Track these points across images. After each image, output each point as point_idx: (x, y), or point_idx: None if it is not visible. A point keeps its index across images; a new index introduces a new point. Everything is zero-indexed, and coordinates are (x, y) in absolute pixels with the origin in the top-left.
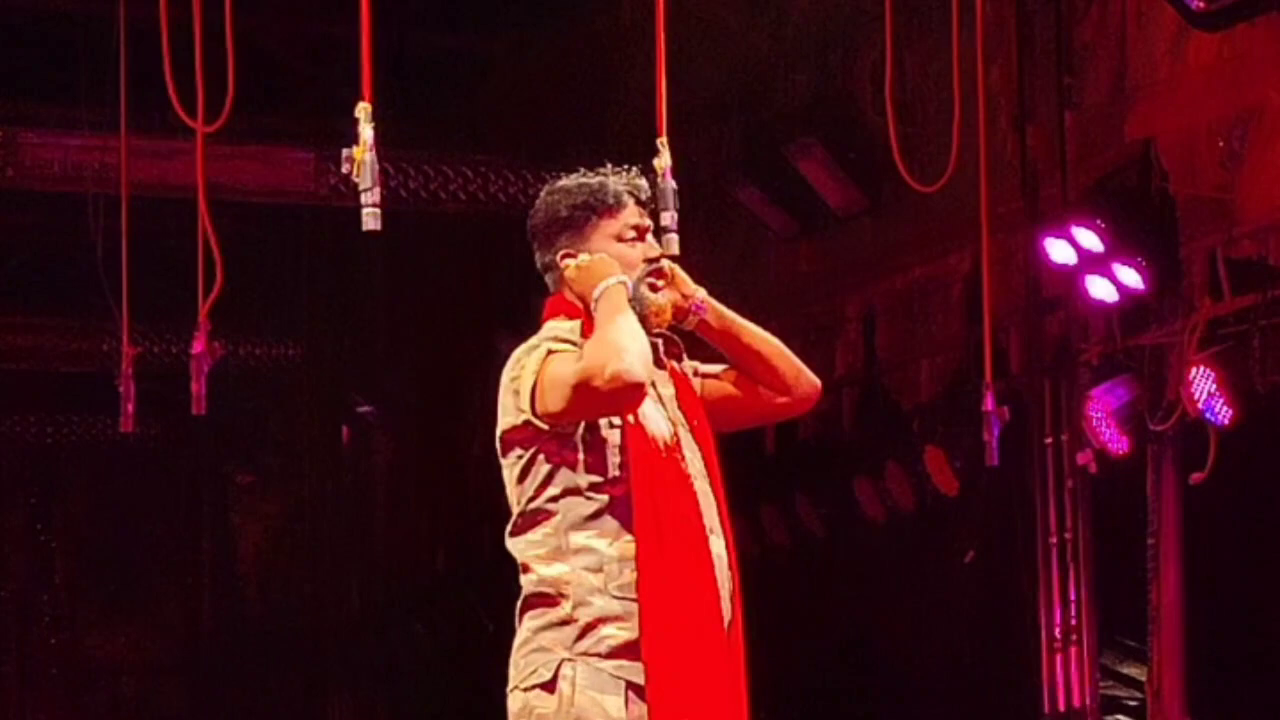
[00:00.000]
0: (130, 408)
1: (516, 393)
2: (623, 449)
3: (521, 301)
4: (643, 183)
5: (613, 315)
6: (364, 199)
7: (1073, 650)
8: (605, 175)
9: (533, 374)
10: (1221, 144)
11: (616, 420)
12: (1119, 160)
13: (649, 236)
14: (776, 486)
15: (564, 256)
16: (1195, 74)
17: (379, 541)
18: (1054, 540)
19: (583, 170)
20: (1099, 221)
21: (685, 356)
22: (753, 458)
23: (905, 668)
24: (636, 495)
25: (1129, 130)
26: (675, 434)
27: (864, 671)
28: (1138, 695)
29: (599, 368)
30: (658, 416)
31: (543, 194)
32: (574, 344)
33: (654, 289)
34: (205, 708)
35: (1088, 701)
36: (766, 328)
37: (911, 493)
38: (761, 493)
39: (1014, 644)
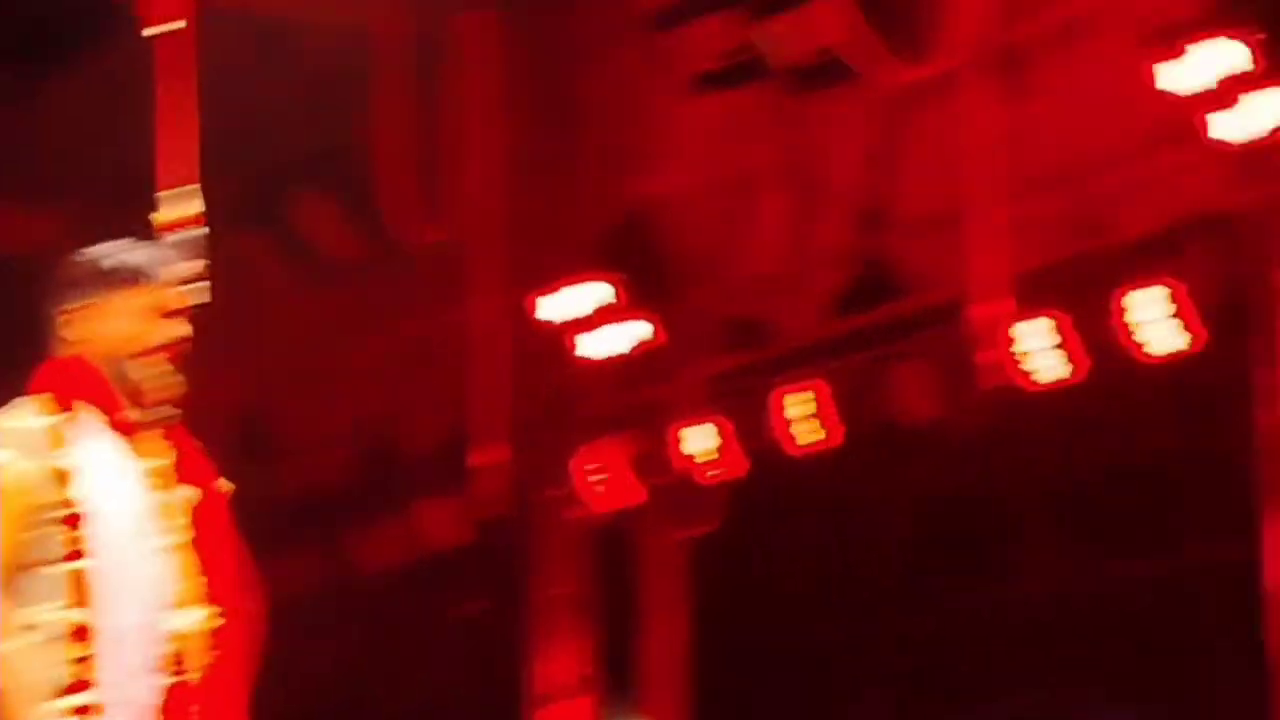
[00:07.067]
0: None
1: None
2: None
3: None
4: (174, 255)
5: None
6: None
7: (572, 702)
8: (139, 247)
9: None
10: (721, 203)
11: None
12: (621, 217)
13: (163, 318)
14: (274, 538)
15: (68, 318)
16: (697, 134)
17: None
18: (554, 593)
19: (125, 238)
20: (600, 278)
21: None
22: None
23: None
24: (88, 574)
25: (631, 188)
26: (150, 508)
27: None
28: None
29: None
30: (125, 500)
31: (77, 250)
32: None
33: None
34: None
35: None
36: (274, 378)
37: (406, 546)
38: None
39: (506, 697)
